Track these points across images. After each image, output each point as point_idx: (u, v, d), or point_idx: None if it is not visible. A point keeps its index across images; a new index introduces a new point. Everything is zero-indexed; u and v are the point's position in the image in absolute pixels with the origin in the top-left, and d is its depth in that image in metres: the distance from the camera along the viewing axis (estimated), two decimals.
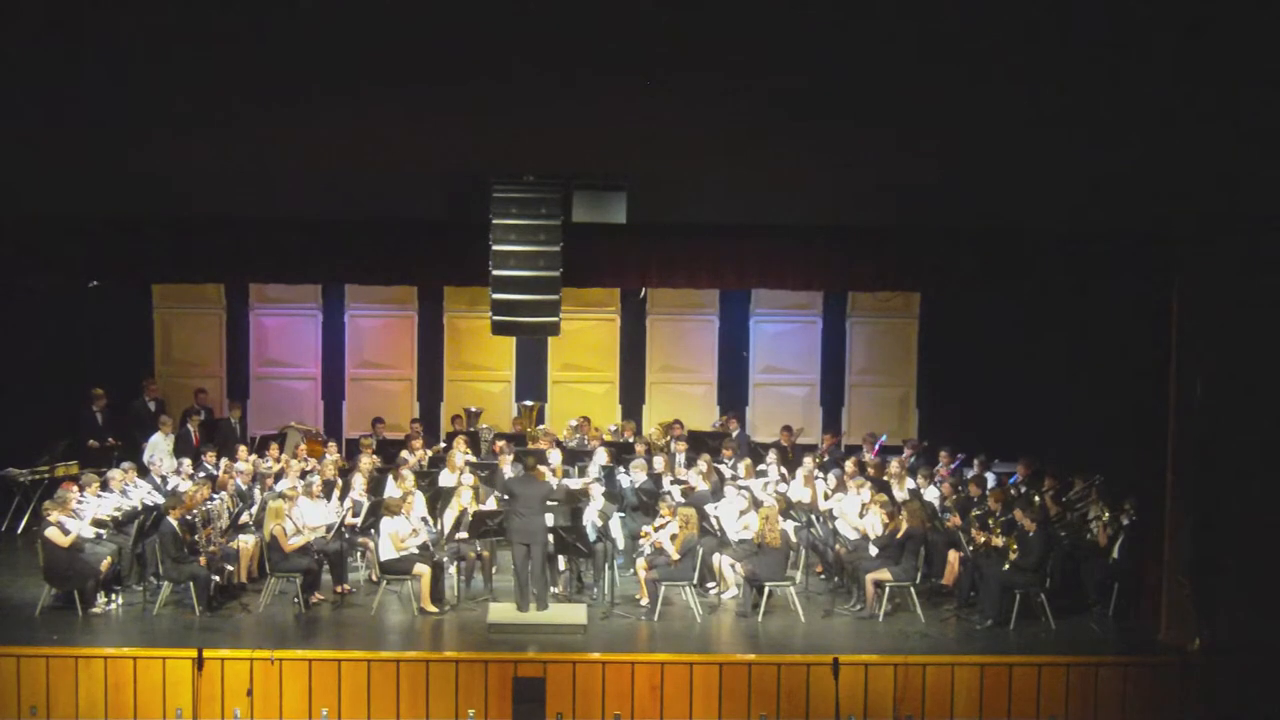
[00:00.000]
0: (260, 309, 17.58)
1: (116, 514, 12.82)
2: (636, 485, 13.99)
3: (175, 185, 11.55)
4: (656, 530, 12.63)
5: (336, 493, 13.48)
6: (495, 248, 11.33)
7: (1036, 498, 13.41)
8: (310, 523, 12.67)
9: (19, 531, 14.62)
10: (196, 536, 12.24)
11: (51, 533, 11.84)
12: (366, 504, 13.01)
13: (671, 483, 14.11)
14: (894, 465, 14.34)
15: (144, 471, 14.01)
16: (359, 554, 13.40)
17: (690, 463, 14.57)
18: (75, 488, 12.58)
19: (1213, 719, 11.19)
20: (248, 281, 16.84)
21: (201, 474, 13.69)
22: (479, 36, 7.95)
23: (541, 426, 16.55)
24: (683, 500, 13.31)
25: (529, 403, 17.12)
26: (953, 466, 14.89)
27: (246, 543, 12.87)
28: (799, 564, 13.33)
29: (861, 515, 13.03)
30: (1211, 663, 11.35)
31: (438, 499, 13.43)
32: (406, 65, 8.42)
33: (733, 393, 17.76)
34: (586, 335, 17.61)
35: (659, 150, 10.58)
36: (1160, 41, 7.94)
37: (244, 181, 11.54)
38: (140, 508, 12.99)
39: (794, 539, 13.07)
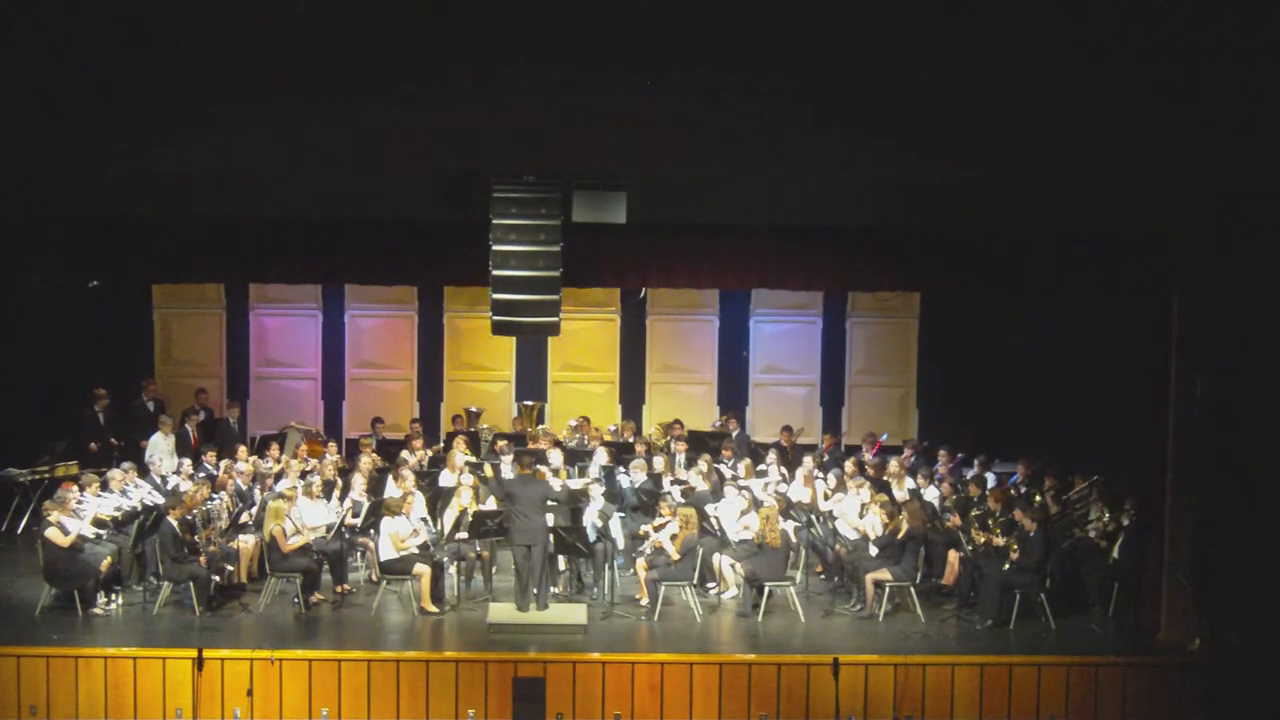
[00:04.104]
0: (260, 309, 17.56)
1: (116, 514, 12.81)
2: (636, 485, 13.99)
3: (175, 185, 11.56)
4: (656, 530, 12.63)
5: (336, 493, 13.47)
6: (495, 248, 11.33)
7: (1037, 498, 13.41)
8: (310, 523, 12.66)
9: (19, 531, 14.61)
10: (196, 536, 12.23)
11: (51, 533, 11.84)
12: (366, 504, 13.01)
13: (671, 483, 14.11)
14: (894, 465, 14.33)
15: (144, 471, 14.00)
16: (359, 554, 13.40)
17: (690, 463, 14.57)
18: (75, 488, 12.57)
19: (1212, 719, 11.19)
20: (248, 281, 16.81)
21: (201, 474, 13.68)
22: (480, 37, 7.96)
23: (541, 426, 16.54)
24: (683, 500, 13.30)
25: (529, 403, 17.11)
26: (950, 466, 14.88)
27: (246, 543, 12.86)
28: (799, 564, 13.33)
29: (861, 515, 13.03)
30: (1211, 663, 11.35)
31: (438, 499, 13.43)
32: (407, 65, 8.43)
33: (733, 393, 17.74)
34: (586, 335, 17.60)
35: (659, 150, 10.59)
36: (1160, 43, 7.95)
37: (244, 181, 11.55)
38: (140, 508, 12.98)
39: (794, 539, 13.07)
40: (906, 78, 8.63)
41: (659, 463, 14.42)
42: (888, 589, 12.36)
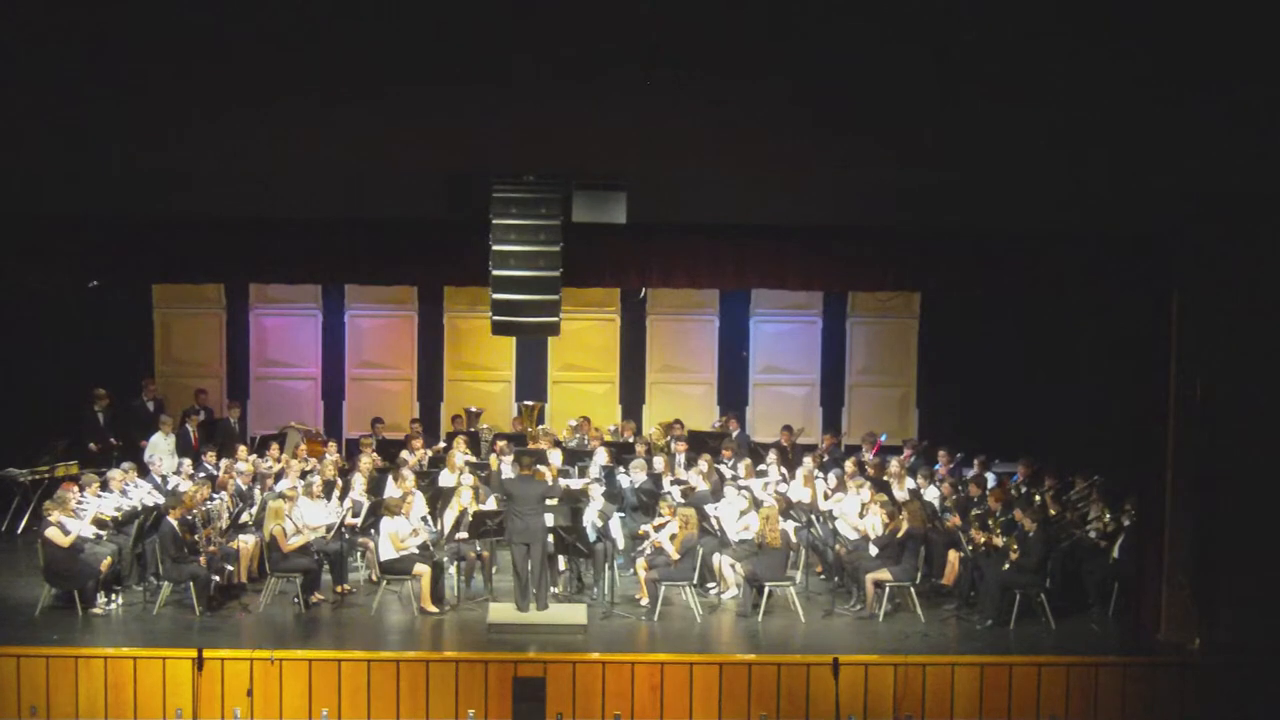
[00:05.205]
0: (260, 309, 17.57)
1: (116, 514, 12.82)
2: (636, 485, 13.99)
3: (175, 185, 11.56)
4: (656, 530, 12.63)
5: (336, 493, 13.47)
6: (495, 248, 11.33)
7: (1037, 498, 13.41)
8: (310, 523, 12.67)
9: (19, 531, 14.61)
10: (196, 536, 12.23)
11: (51, 533, 11.84)
12: (366, 504, 13.01)
13: (671, 483, 14.11)
14: (894, 465, 14.34)
15: (144, 471, 14.01)
16: (359, 554, 13.40)
17: (690, 463, 14.57)
18: (75, 488, 12.58)
19: (1213, 719, 11.19)
20: (248, 281, 16.83)
21: (201, 474, 13.69)
22: (479, 36, 7.96)
23: (541, 426, 16.54)
24: (683, 500, 13.31)
25: (529, 403, 17.11)
26: (950, 466, 14.87)
27: (246, 543, 12.87)
28: (799, 564, 13.33)
29: (861, 515, 13.03)
30: (1211, 663, 11.35)
31: (438, 499, 13.43)
32: (407, 65, 8.43)
33: (733, 393, 17.75)
34: (586, 335, 17.61)
35: (659, 150, 10.58)
36: (1160, 42, 7.95)
37: (244, 181, 11.54)
38: (140, 508, 12.99)
39: (794, 539, 13.07)
40: (906, 78, 8.62)
41: (659, 463, 14.42)
42: (888, 589, 12.36)
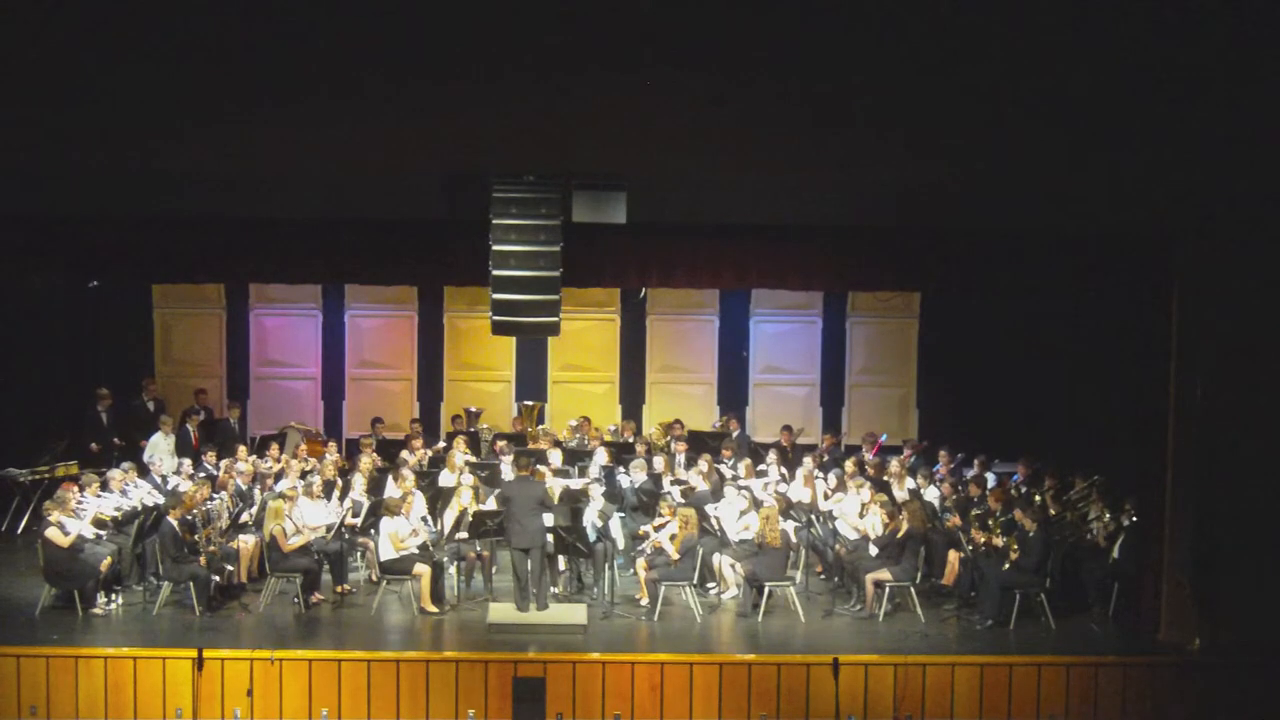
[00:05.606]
0: (260, 309, 17.58)
1: (116, 514, 12.81)
2: (636, 485, 13.99)
3: (175, 185, 11.57)
4: (656, 530, 12.63)
5: (336, 493, 13.47)
6: (495, 248, 11.33)
7: (1037, 498, 13.41)
8: (310, 523, 12.67)
9: (19, 531, 14.61)
10: (196, 536, 12.23)
11: (51, 533, 11.84)
12: (366, 504, 13.01)
13: (671, 483, 14.10)
14: (894, 465, 14.33)
15: (144, 471, 14.01)
16: (359, 554, 13.40)
17: (690, 463, 14.57)
18: (75, 488, 12.57)
19: (1213, 719, 11.19)
20: (248, 281, 16.82)
21: (201, 474, 13.68)
22: (479, 36, 7.97)
23: (541, 426, 16.54)
24: (683, 500, 13.30)
25: (529, 403, 17.11)
26: (950, 466, 14.87)
27: (246, 543, 12.86)
28: (799, 564, 13.33)
29: (861, 515, 13.03)
30: (1211, 663, 11.35)
31: (438, 499, 13.43)
32: (406, 65, 8.44)
33: (733, 393, 17.75)
34: (586, 335, 17.61)
35: (659, 150, 10.60)
36: (1161, 43, 7.96)
37: (244, 181, 11.55)
38: (140, 508, 12.99)
39: (794, 539, 13.07)
40: (906, 78, 8.64)
41: (659, 463, 14.42)
42: (888, 589, 12.36)
